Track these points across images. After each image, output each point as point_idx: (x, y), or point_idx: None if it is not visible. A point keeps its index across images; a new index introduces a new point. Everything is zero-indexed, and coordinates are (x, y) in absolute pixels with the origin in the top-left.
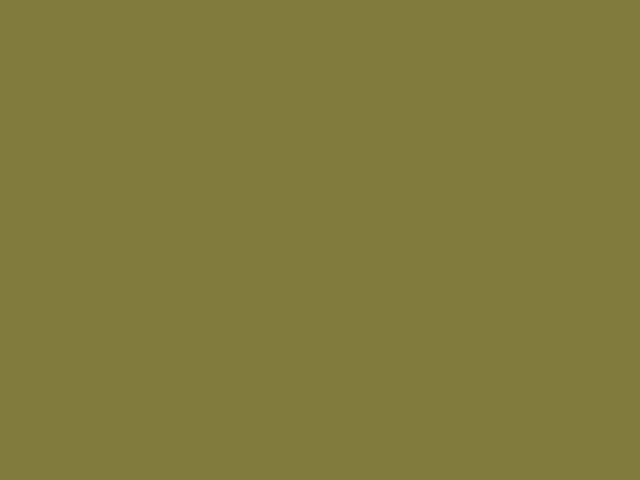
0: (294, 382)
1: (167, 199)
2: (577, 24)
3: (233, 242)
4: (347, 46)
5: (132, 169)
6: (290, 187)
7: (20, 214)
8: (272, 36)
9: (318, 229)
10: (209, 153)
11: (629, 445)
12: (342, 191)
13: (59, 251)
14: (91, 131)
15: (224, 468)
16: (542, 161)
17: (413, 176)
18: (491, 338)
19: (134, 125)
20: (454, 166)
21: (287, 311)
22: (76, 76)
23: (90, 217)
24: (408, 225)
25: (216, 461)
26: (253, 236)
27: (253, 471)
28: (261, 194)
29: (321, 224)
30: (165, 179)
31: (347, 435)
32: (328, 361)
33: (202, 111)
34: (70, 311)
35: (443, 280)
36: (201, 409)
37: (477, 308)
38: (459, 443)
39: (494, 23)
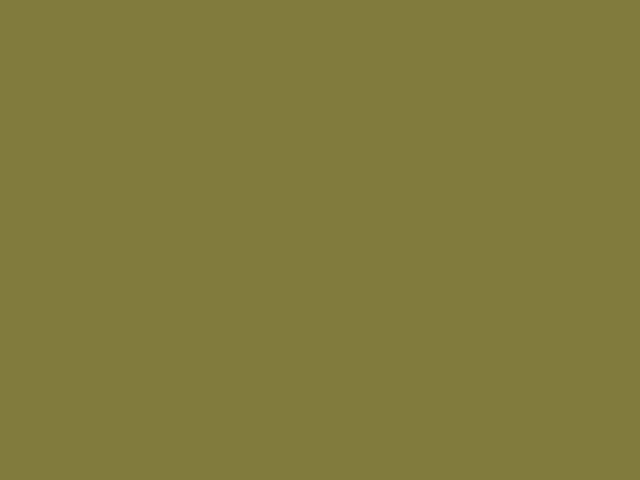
0: (294, 382)
1: (167, 199)
2: (577, 24)
3: (233, 242)
4: (347, 46)
5: (132, 169)
6: (290, 187)
7: (20, 214)
8: (272, 36)
9: (318, 229)
10: (209, 153)
11: (629, 445)
12: (342, 191)
13: (59, 251)
14: (91, 131)
15: (224, 468)
16: (542, 161)
17: (413, 176)
18: (491, 339)
19: (134, 125)
20: (454, 166)
21: (287, 311)
22: (76, 76)
23: (90, 217)
24: (408, 225)
25: (216, 461)
26: (253, 236)
27: (253, 471)
28: (261, 194)
29: (321, 224)
30: (165, 179)
31: (347, 435)
32: (328, 361)
33: (202, 111)
34: (70, 311)
35: (443, 281)
36: (201, 409)
37: (477, 309)
38: (459, 443)
39: (494, 23)
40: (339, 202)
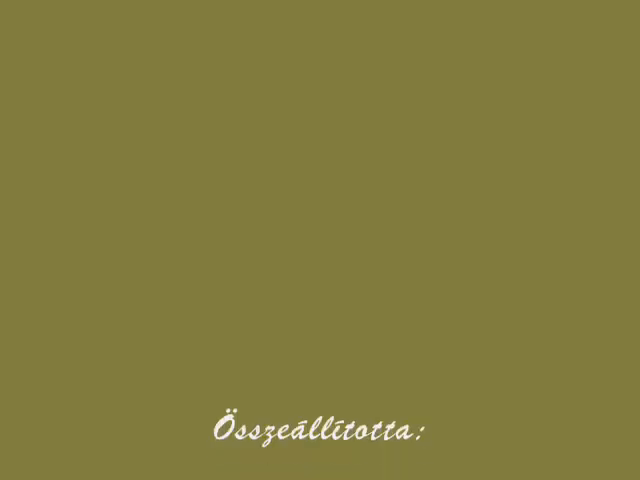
0: (294, 382)
1: (167, 199)
2: (577, 24)
3: (233, 242)
4: (347, 46)
5: (132, 169)
6: (290, 187)
7: (20, 214)
8: (272, 36)
9: (318, 229)
10: (209, 153)
11: (629, 445)
12: (342, 191)
13: (59, 251)
14: (91, 131)
15: (224, 468)
16: (542, 161)
17: (413, 176)
18: (491, 338)
19: (134, 125)
20: (454, 166)
21: (287, 311)
22: (76, 76)
23: (90, 217)
24: (408, 225)
25: (215, 460)
26: (253, 236)
27: (253, 471)
28: (261, 194)
29: (321, 224)
30: (165, 179)
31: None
32: (328, 361)
33: (202, 111)
34: (70, 311)
35: (443, 281)
36: (201, 409)
37: (477, 308)
38: (459, 443)
39: (494, 23)
40: (339, 202)
